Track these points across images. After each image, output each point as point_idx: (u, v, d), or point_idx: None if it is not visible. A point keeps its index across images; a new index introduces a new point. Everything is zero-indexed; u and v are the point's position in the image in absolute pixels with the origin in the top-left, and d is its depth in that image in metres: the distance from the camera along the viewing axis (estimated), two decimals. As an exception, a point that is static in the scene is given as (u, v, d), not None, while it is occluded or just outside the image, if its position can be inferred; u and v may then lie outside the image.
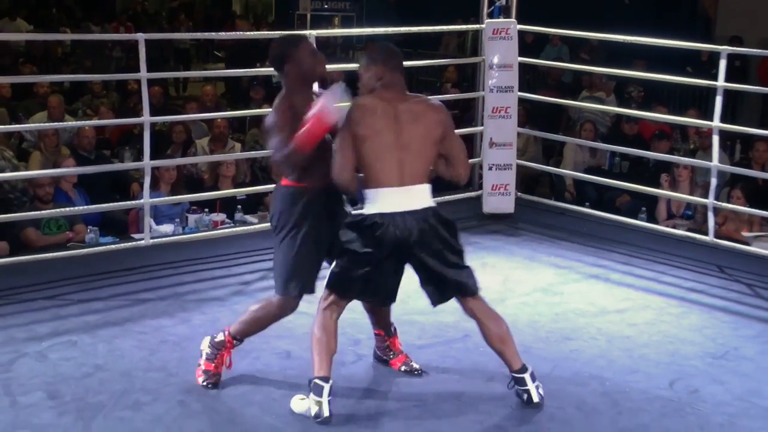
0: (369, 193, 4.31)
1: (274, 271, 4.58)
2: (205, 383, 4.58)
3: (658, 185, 8.03)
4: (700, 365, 5.07)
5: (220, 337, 4.63)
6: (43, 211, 6.77)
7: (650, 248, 7.15)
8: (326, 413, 4.24)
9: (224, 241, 6.89)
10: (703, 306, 6.03)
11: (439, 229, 4.36)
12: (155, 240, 6.72)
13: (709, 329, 5.63)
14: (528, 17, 8.10)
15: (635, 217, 7.92)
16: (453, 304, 5.76)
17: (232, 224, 7.64)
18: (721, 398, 4.68)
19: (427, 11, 17.92)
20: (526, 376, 4.48)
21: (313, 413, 4.27)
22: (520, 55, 7.90)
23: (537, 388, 4.48)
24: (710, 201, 6.96)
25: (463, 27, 9.26)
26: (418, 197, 4.33)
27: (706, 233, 7.03)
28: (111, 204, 7.08)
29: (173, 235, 7.21)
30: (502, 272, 6.29)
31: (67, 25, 18.22)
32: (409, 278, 5.97)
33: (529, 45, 12.23)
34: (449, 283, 4.44)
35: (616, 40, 7.70)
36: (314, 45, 4.84)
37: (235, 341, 4.65)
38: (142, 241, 6.61)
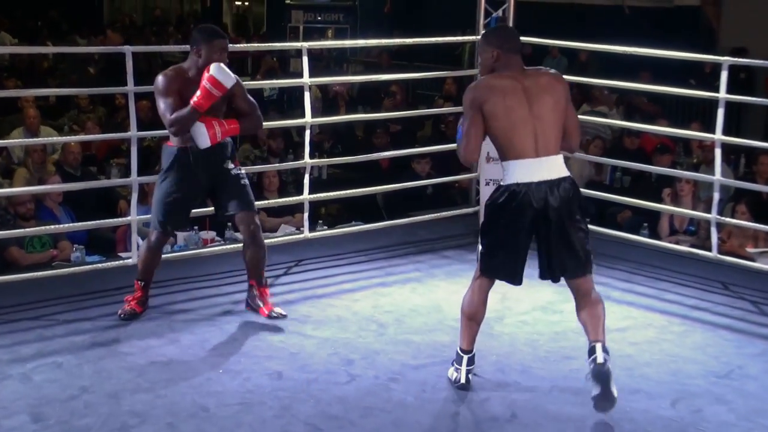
0: (506, 165, 4.59)
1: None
2: (121, 314, 5.71)
3: (660, 200, 8.07)
4: (704, 384, 5.09)
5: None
6: (27, 229, 6.80)
7: (652, 265, 7.17)
8: (463, 380, 4.86)
9: (214, 259, 6.91)
10: (707, 324, 6.05)
11: (572, 203, 4.59)
12: (143, 258, 6.73)
13: (712, 348, 5.65)
14: (526, 29, 8.13)
15: (637, 233, 7.93)
16: (450, 323, 5.81)
17: (222, 242, 7.67)
18: (725, 418, 4.70)
19: (423, 23, 18.01)
20: (595, 345, 4.63)
21: (453, 378, 4.92)
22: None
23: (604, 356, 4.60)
24: (713, 216, 6.98)
25: (459, 39, 9.31)
26: (553, 167, 4.57)
27: (709, 249, 7.04)
28: (97, 221, 7.07)
29: (162, 253, 7.22)
30: (500, 290, 6.23)
31: (51, 39, 18.27)
32: (405, 299, 6.02)
33: (528, 57, 12.28)
34: (570, 259, 4.67)
35: (616, 51, 7.73)
36: (227, 47, 5.56)
37: (140, 282, 5.81)
38: (130, 260, 6.60)
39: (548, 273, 4.73)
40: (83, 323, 5.69)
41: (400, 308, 6.12)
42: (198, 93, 5.32)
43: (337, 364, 5.18)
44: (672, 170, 8.50)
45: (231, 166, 5.68)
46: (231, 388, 4.85)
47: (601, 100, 11.62)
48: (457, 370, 4.89)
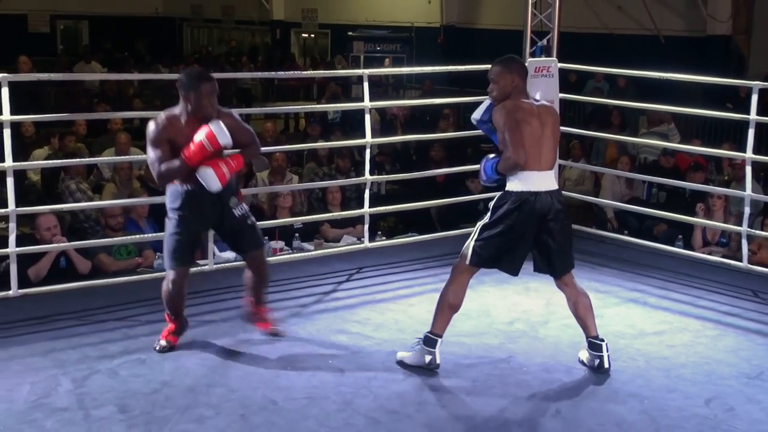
0: (518, 174, 4.87)
1: (164, 252, 5.33)
2: (157, 348, 5.28)
3: (693, 214, 7.97)
4: (736, 385, 5.00)
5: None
6: (116, 238, 6.88)
7: (686, 274, 7.07)
8: (438, 361, 5.01)
9: (283, 267, 6.92)
10: (739, 329, 5.94)
11: (564, 211, 5.02)
12: (218, 265, 6.78)
13: (744, 351, 5.54)
14: (569, 56, 8.08)
15: (672, 245, 7.84)
16: (498, 326, 5.79)
17: (290, 251, 7.69)
18: (756, 416, 4.61)
19: (472, 52, 17.99)
20: (603, 344, 5.07)
21: (427, 361, 5.00)
22: (564, 93, 7.90)
23: (609, 357, 5.06)
24: (744, 229, 6.89)
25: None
26: (553, 179, 5.01)
27: (740, 260, 6.95)
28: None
29: (235, 260, 7.27)
30: (545, 296, 6.26)
31: (136, 68, 18.54)
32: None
33: (572, 83, 12.23)
34: (560, 258, 5.01)
35: (653, 77, 7.66)
36: (215, 89, 5.05)
37: (170, 316, 5.37)
38: (206, 267, 6.66)
39: (547, 269, 5.06)
40: (164, 324, 5.70)
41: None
42: (191, 146, 4.92)
43: (395, 363, 5.16)
44: (705, 186, 8.40)
45: (235, 202, 5.29)
46: (298, 384, 4.86)
47: (660, 118, 11.41)
48: (430, 353, 5.01)
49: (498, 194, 4.99)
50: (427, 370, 5.00)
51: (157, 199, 7.66)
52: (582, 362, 5.18)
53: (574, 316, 5.16)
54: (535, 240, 4.95)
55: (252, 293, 5.55)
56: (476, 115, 5.12)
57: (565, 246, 5.02)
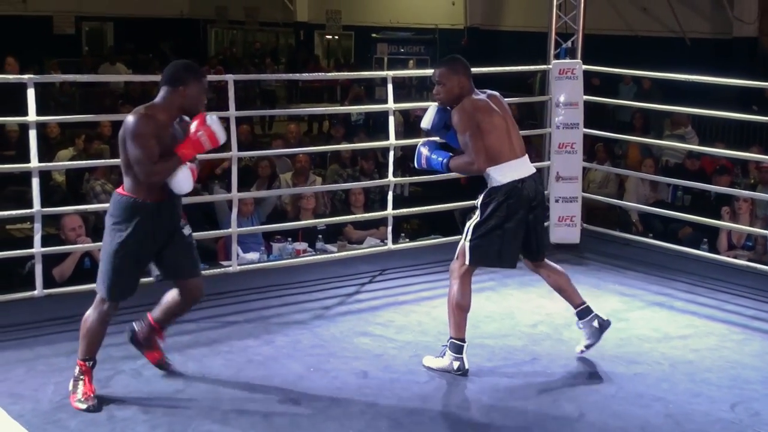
0: (498, 168, 4.89)
1: (98, 273, 4.59)
2: (87, 407, 4.46)
3: (719, 217, 7.92)
4: (761, 389, 4.96)
5: (76, 370, 4.58)
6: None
7: (712, 277, 7.02)
8: (466, 366, 4.98)
9: (306, 268, 6.94)
10: (765, 333, 5.89)
11: (544, 194, 5.17)
12: (242, 266, 6.80)
13: (770, 355, 5.51)
14: (593, 59, 8.06)
15: (697, 248, 7.79)
16: (522, 329, 5.77)
17: (314, 252, 7.71)
18: (782, 421, 4.58)
19: (497, 53, 17.96)
20: (587, 305, 5.20)
21: (455, 367, 4.97)
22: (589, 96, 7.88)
23: (599, 316, 5.20)
24: (770, 232, 6.84)
25: (531, 68, 9.22)
26: (531, 164, 5.05)
27: (766, 263, 6.89)
28: (201, 233, 7.14)
29: (259, 262, 7.30)
30: (569, 299, 6.24)
31: (161, 70, 18.63)
32: (480, 306, 5.96)
33: (596, 87, 12.19)
34: (541, 241, 5.13)
35: (678, 79, 7.62)
36: (207, 85, 4.62)
37: (87, 362, 4.57)
38: (230, 268, 6.69)
39: (526, 253, 5.12)
40: (188, 324, 5.72)
41: (476, 315, 6.04)
42: (187, 142, 4.42)
43: (417, 365, 5.16)
44: (731, 189, 8.35)
45: (183, 222, 4.68)
46: (321, 385, 4.86)
47: (681, 122, 11.38)
48: (458, 359, 4.98)
49: (484, 193, 4.99)
50: (457, 375, 4.99)
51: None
52: (586, 348, 5.25)
53: (557, 291, 5.26)
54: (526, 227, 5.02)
55: (163, 317, 4.87)
56: (426, 123, 5.10)
57: (543, 228, 5.23)
